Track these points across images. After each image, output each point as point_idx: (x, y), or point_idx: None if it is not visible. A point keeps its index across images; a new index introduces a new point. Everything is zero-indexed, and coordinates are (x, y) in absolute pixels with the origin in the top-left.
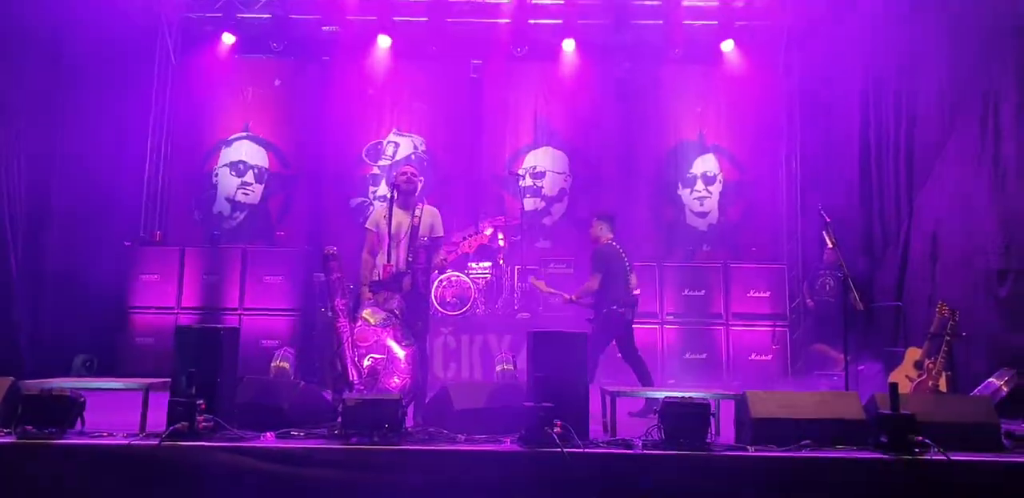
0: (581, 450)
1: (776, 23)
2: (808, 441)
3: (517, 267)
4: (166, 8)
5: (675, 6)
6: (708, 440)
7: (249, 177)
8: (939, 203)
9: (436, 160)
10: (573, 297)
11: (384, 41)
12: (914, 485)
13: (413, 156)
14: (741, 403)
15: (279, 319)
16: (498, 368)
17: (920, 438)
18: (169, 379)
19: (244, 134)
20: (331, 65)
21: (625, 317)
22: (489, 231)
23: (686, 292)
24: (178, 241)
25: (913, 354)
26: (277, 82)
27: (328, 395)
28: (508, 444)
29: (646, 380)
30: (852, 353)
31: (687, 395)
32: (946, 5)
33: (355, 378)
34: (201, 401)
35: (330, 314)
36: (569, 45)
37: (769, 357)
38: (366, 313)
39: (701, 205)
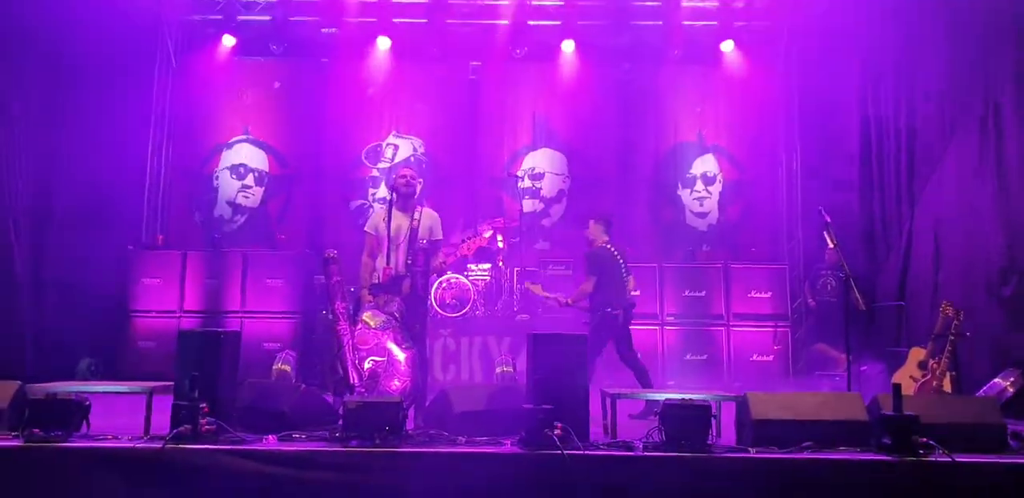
0: (581, 452)
1: (776, 23)
2: (810, 443)
3: (516, 269)
4: (167, 10)
5: (675, 7)
6: (709, 442)
7: (250, 180)
8: (940, 202)
9: (435, 162)
10: (569, 300)
11: (383, 43)
12: (918, 487)
13: (412, 158)
14: (742, 404)
15: (280, 322)
16: (498, 370)
17: (924, 439)
18: (172, 383)
19: (244, 137)
20: (330, 67)
21: (619, 319)
22: (488, 233)
23: (686, 293)
24: (179, 243)
25: (917, 354)
26: (277, 84)
27: (329, 398)
28: (508, 446)
29: (645, 382)
30: (854, 353)
31: (688, 397)
32: (946, 5)
33: (356, 381)
34: (204, 404)
35: (330, 317)
36: (568, 46)
37: (770, 358)
38: (366, 316)
39: (701, 205)
